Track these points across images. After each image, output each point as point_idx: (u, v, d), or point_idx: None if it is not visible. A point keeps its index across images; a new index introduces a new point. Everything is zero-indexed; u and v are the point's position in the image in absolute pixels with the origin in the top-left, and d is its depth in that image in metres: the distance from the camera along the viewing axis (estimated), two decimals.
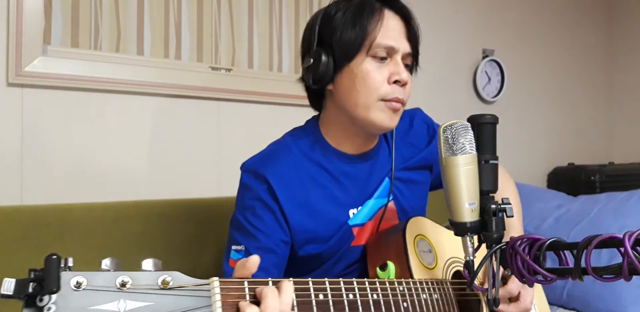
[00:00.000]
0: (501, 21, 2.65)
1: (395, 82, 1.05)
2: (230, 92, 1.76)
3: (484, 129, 0.90)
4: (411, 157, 1.20)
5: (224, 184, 1.76)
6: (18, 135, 1.42)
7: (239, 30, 1.79)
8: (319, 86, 1.08)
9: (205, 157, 1.73)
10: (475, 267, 0.87)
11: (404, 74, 1.05)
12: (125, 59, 1.56)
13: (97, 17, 1.52)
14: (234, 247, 1.05)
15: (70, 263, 0.60)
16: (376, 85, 1.04)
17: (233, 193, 1.72)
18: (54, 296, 0.57)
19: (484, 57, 2.55)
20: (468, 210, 0.87)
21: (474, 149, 0.88)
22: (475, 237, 0.89)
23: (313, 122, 1.17)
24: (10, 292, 0.58)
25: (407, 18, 1.09)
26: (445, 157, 0.88)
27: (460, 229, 0.88)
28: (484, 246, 0.88)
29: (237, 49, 1.79)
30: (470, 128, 0.89)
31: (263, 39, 1.84)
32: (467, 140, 0.88)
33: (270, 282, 0.72)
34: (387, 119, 1.06)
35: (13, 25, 1.38)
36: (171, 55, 1.66)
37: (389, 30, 1.05)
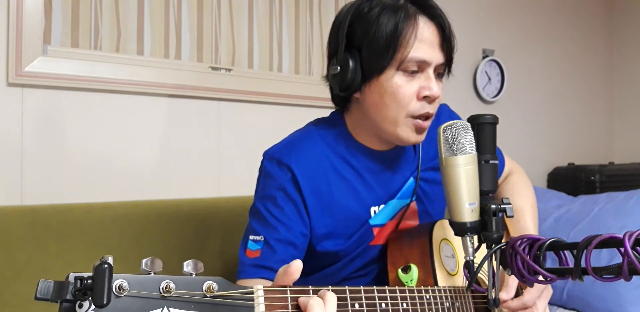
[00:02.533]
0: (501, 21, 2.65)
1: (425, 97, 1.01)
2: (230, 92, 1.76)
3: (484, 129, 0.90)
4: (437, 156, 1.17)
5: (224, 184, 1.76)
6: (18, 136, 1.41)
7: (239, 30, 1.79)
8: (345, 94, 1.06)
9: (205, 157, 1.73)
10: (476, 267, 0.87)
11: (435, 89, 1.01)
12: (125, 59, 1.56)
13: (97, 17, 1.52)
14: (251, 237, 1.03)
15: (110, 261, 0.54)
16: (406, 101, 1.00)
17: (233, 193, 1.73)
18: None
19: (484, 57, 2.55)
20: (468, 210, 0.87)
21: (474, 149, 0.88)
22: (475, 237, 0.89)
23: (338, 115, 1.13)
24: (48, 296, 0.52)
25: (442, 25, 1.03)
26: (446, 157, 0.88)
27: (460, 229, 0.88)
28: (483, 246, 0.88)
29: (237, 49, 1.79)
30: (470, 128, 0.89)
31: (263, 39, 1.84)
32: (467, 140, 0.87)
33: (311, 291, 0.72)
34: (414, 136, 1.04)
35: (13, 25, 1.38)
36: (171, 55, 1.66)
37: (423, 42, 1.00)
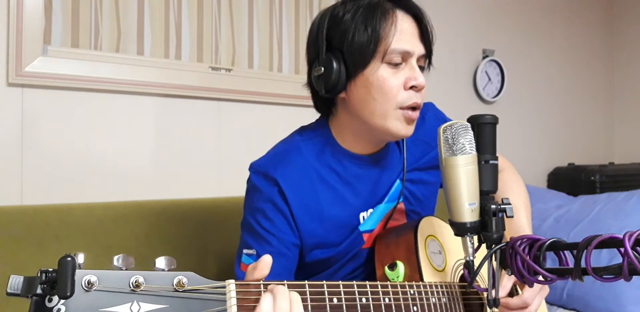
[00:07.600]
0: (501, 21, 2.65)
1: (412, 87, 1.01)
2: (230, 92, 1.76)
3: (484, 129, 0.90)
4: (422, 156, 1.17)
5: (224, 184, 1.76)
6: (18, 136, 1.42)
7: (239, 30, 1.79)
8: (331, 95, 1.05)
9: (205, 157, 1.73)
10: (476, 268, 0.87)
11: (421, 79, 1.01)
12: (125, 59, 1.56)
13: (97, 17, 1.52)
14: (245, 251, 1.03)
15: (81, 259, 0.56)
16: (393, 93, 1.00)
17: (233, 193, 1.73)
18: None
19: (484, 57, 2.55)
20: (468, 210, 0.87)
21: (474, 149, 0.88)
22: (475, 237, 0.89)
23: (323, 123, 1.13)
24: (18, 291, 0.54)
25: (419, 18, 1.05)
26: (445, 158, 0.88)
27: (460, 229, 0.88)
28: (484, 246, 0.88)
29: (237, 49, 1.79)
30: (470, 128, 0.89)
31: (263, 39, 1.84)
32: (467, 140, 0.87)
33: (286, 285, 0.71)
34: (403, 128, 1.03)
35: (13, 25, 1.38)
36: (171, 55, 1.66)
37: (403, 34, 1.01)
